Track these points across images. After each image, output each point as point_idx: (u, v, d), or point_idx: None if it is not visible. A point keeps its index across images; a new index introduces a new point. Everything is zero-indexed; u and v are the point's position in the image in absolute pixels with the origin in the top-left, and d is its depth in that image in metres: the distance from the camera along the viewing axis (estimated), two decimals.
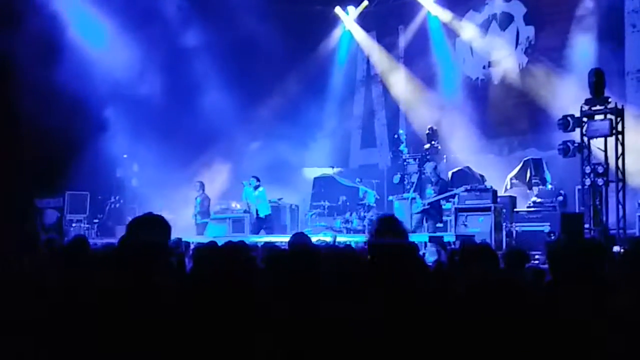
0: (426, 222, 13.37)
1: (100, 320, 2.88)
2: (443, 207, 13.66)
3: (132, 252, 3.06)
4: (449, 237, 11.84)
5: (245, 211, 16.51)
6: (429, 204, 13.28)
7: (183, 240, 9.10)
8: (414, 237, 11.79)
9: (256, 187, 15.46)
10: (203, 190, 16.51)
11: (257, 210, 15.47)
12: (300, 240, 4.94)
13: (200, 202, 16.36)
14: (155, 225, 3.16)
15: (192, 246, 9.13)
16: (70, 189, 17.43)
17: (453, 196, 13.17)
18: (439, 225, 13.63)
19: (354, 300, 2.88)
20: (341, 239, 12.34)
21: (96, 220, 17.66)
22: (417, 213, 13.47)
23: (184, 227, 15.65)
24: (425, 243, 11.53)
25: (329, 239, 11.41)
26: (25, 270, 4.46)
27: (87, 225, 17.31)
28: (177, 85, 17.46)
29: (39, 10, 15.55)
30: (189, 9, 17.36)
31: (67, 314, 3.02)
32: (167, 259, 3.26)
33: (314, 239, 10.80)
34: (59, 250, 6.40)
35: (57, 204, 17.74)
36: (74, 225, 17.20)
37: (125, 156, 18.19)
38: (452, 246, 10.47)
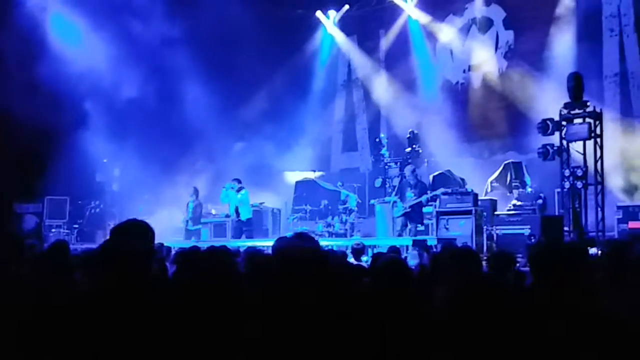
0: (408, 225, 13.43)
1: (83, 324, 2.86)
2: (423, 210, 13.71)
3: (115, 258, 3.04)
4: (431, 240, 11.90)
5: (227, 215, 16.47)
6: (410, 207, 13.35)
7: (165, 245, 9.07)
8: (397, 241, 11.87)
9: (239, 190, 15.40)
10: (197, 196, 16.38)
11: (238, 213, 15.40)
12: (283, 244, 4.92)
13: (193, 208, 16.26)
14: (139, 231, 3.14)
15: (173, 251, 9.10)
16: (49, 193, 17.28)
17: (434, 198, 13.22)
18: (420, 228, 13.70)
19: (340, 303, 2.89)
20: (323, 242, 12.36)
21: (76, 226, 17.52)
22: (399, 217, 13.52)
23: (164, 230, 15.57)
24: (407, 247, 11.61)
25: None
26: (18, 274, 4.43)
27: (67, 231, 17.16)
28: (158, 88, 17.40)
29: (16, 8, 15.46)
30: (170, 11, 17.29)
31: (50, 318, 3.00)
32: (150, 265, 3.24)
33: None
34: (39, 256, 6.33)
35: (36, 209, 17.59)
36: (53, 230, 17.05)
37: (105, 160, 18.07)
38: (434, 249, 10.53)
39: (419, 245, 10.92)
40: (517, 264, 9.69)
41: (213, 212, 17.48)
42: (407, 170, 13.82)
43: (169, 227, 16.48)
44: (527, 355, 2.59)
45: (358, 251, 8.51)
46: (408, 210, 13.38)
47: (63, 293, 3.44)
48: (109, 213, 17.72)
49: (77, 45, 16.60)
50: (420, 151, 15.66)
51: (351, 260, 8.09)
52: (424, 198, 13.26)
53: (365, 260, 8.81)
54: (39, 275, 4.46)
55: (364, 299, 3.57)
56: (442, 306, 2.81)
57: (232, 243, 12.44)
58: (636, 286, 4.08)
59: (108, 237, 3.18)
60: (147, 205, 17.02)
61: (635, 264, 4.54)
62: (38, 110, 14.57)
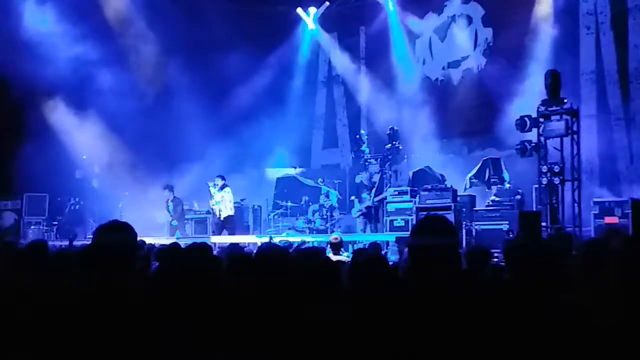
0: (367, 224, 14.57)
1: (66, 323, 2.87)
2: (402, 206, 14.25)
3: (101, 255, 3.06)
4: None
5: (207, 212, 16.44)
6: (366, 207, 14.58)
7: (146, 242, 9.07)
8: (379, 237, 11.97)
9: (222, 187, 15.38)
10: (173, 193, 16.27)
11: (220, 211, 15.39)
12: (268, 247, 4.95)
13: (173, 207, 16.19)
14: (123, 231, 3.17)
15: (155, 249, 9.07)
16: (28, 190, 17.14)
17: (382, 200, 14.47)
18: (399, 223, 14.13)
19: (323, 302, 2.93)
20: (306, 239, 12.44)
21: (55, 222, 17.37)
22: (356, 217, 14.79)
23: (146, 227, 15.51)
24: (388, 242, 11.70)
25: (292, 239, 11.46)
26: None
27: (46, 227, 17.03)
28: (139, 87, 17.35)
29: None
30: (150, 9, 17.20)
31: (34, 316, 3.01)
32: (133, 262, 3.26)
33: (276, 239, 10.87)
34: (17, 253, 6.31)
35: (14, 206, 17.44)
36: (32, 227, 16.91)
37: (84, 157, 17.94)
38: None
39: (403, 242, 11.00)
40: (496, 259, 9.82)
41: (196, 206, 17.39)
42: (364, 176, 15.09)
43: (150, 224, 16.42)
44: (504, 350, 2.64)
45: (336, 245, 8.55)
46: (364, 211, 14.63)
47: (45, 291, 3.45)
48: (88, 210, 17.61)
49: (53, 35, 16.53)
50: (400, 147, 15.75)
51: (329, 254, 8.13)
52: (369, 202, 14.52)
53: (347, 255, 8.85)
54: (18, 273, 4.45)
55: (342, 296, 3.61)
56: (425, 303, 2.85)
57: (208, 240, 12.43)
58: (613, 282, 4.16)
59: (92, 236, 3.20)
60: (128, 201, 16.95)
61: (613, 260, 4.61)
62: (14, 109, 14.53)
